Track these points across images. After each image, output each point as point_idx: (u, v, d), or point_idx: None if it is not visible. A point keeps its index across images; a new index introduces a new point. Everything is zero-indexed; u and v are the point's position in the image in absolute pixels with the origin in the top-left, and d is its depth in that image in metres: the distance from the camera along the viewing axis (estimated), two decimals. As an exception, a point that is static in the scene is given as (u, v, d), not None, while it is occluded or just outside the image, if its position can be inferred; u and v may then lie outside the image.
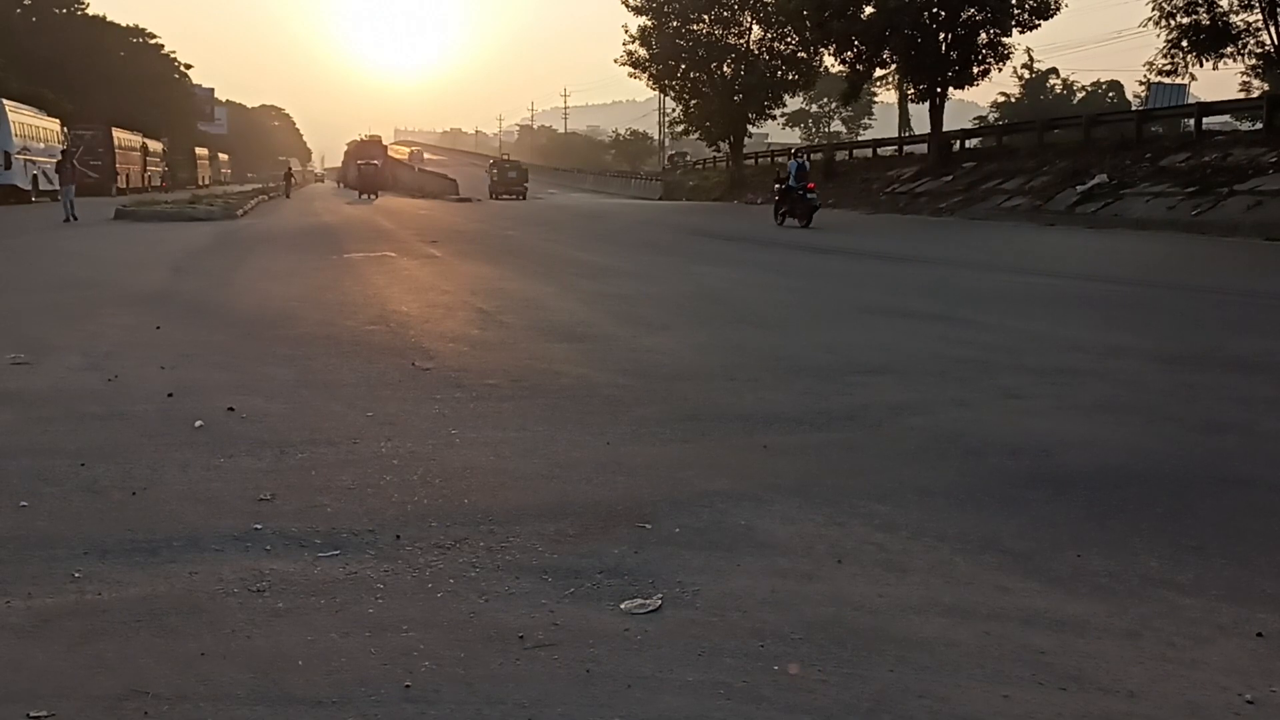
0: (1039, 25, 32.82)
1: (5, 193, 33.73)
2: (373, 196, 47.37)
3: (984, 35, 33.24)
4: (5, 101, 35.63)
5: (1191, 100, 35.91)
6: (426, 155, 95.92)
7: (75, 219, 24.43)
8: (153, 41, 78.29)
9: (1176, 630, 2.74)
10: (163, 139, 65.08)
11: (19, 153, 35.12)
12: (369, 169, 51.62)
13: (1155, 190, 22.55)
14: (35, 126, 38.31)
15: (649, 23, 49.46)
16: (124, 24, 74.52)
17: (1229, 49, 25.18)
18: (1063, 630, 2.73)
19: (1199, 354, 7.15)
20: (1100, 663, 2.55)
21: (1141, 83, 54.73)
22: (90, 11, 69.95)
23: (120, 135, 51.95)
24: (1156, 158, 24.78)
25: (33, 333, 7.81)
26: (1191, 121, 27.34)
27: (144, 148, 56.98)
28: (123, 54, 70.89)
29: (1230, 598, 2.94)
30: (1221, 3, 24.90)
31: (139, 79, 68.87)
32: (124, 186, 49.55)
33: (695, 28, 48.98)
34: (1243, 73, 27.04)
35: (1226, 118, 32.78)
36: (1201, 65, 25.68)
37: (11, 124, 34.95)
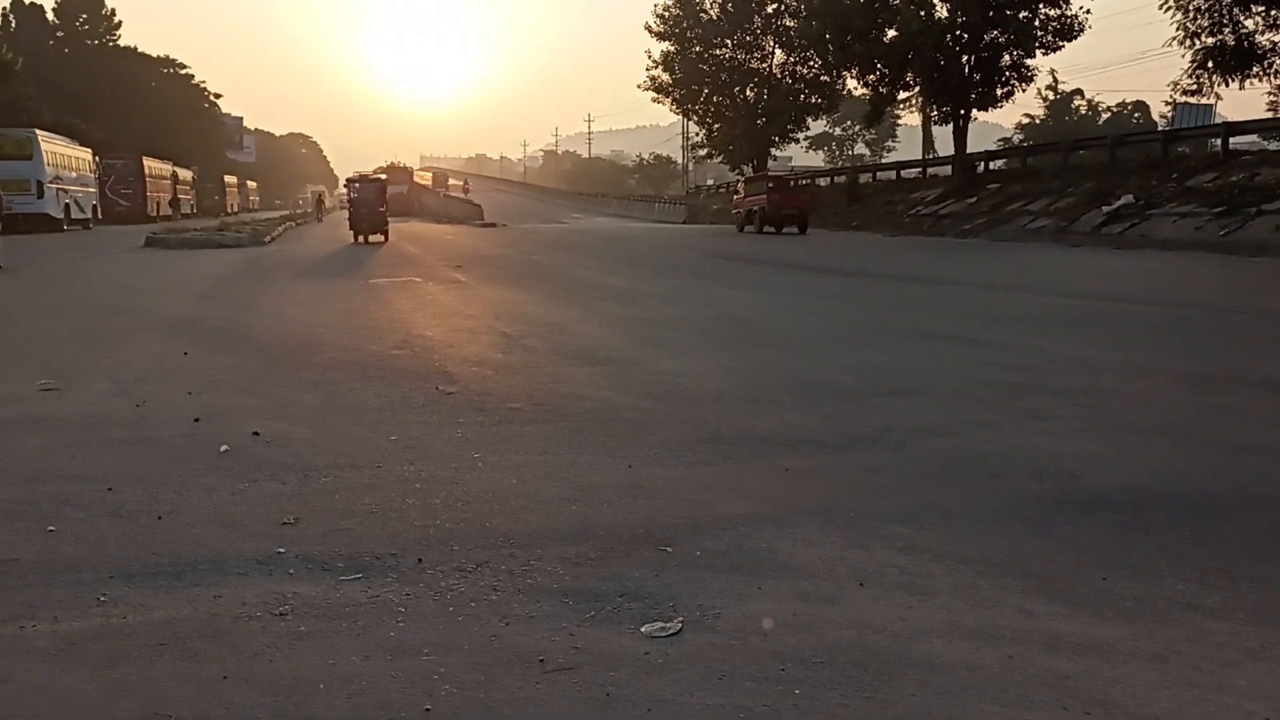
0: (1063, 47, 32.79)
1: (38, 221, 34.20)
2: (377, 239, 28.42)
3: (1007, 57, 33.19)
4: (38, 132, 36.20)
5: (1218, 120, 35.70)
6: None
7: None
8: (183, 72, 79.52)
9: (1203, 654, 2.70)
10: (193, 167, 65.94)
11: (51, 181, 35.64)
12: (368, 191, 28.98)
13: (1182, 210, 22.39)
14: (67, 156, 38.87)
15: (672, 48, 49.74)
16: (155, 55, 75.80)
17: (1255, 69, 25.01)
18: (1088, 654, 2.70)
19: (1226, 375, 7.08)
20: (1126, 687, 2.52)
21: (1167, 103, 54.49)
22: (122, 43, 71.20)
23: (151, 164, 52.73)
24: (1183, 178, 24.63)
25: (63, 359, 7.92)
26: (1218, 141, 27.15)
27: (174, 176, 57.76)
28: (154, 84, 71.97)
29: (1258, 621, 2.91)
30: (1247, 23, 24.77)
31: (170, 108, 69.87)
32: (154, 214, 50.23)
33: (718, 52, 49.21)
34: (1269, 92, 27.01)
35: (1254, 137, 32.59)
36: (1227, 85, 25.51)
37: (44, 153, 35.49)
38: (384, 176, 35.73)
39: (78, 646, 2.79)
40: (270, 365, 7.68)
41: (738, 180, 47.76)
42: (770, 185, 34.80)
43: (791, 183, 36.69)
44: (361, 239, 28.23)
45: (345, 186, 32.47)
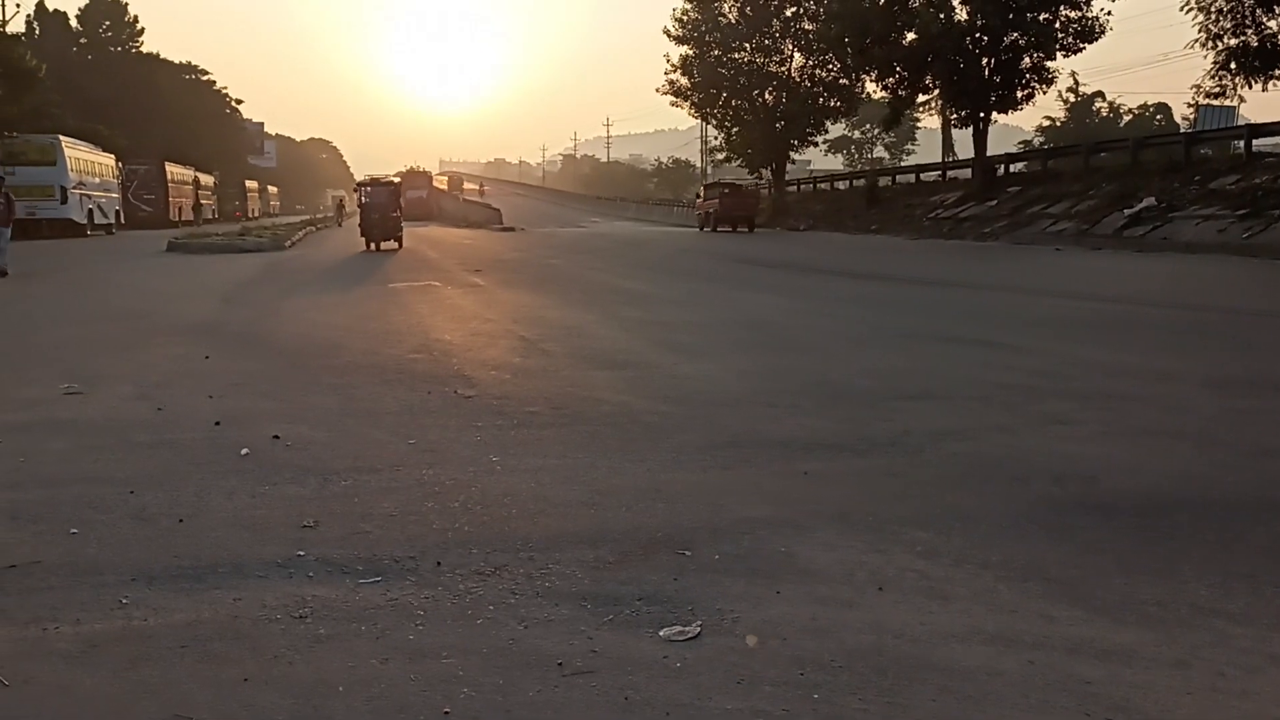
0: (1084, 49, 32.53)
1: (62, 226, 34.55)
2: (390, 246, 26.36)
3: (1027, 59, 32.96)
4: (62, 138, 36.53)
5: (1241, 122, 35.42)
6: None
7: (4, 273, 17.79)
8: (205, 78, 80.00)
9: (1227, 660, 2.68)
10: (214, 172, 66.38)
11: (75, 187, 35.96)
12: (380, 195, 26.68)
13: (1205, 213, 22.20)
14: (91, 162, 39.21)
15: (690, 52, 49.69)
16: (177, 61, 76.27)
17: (1278, 70, 24.79)
18: (1110, 660, 2.68)
19: (1249, 378, 7.01)
20: (1148, 693, 2.50)
21: (1189, 105, 54.11)
22: (144, 49, 71.72)
23: (173, 169, 53.13)
24: (1206, 180, 24.42)
25: (86, 363, 7.98)
26: (1241, 143, 26.91)
27: (196, 181, 58.17)
28: (176, 90, 72.36)
29: (1283, 627, 2.88)
30: (1270, 24, 24.55)
31: (192, 114, 70.25)
32: (176, 219, 50.62)
33: (736, 56, 49.13)
34: (1293, 94, 26.62)
35: (1277, 139, 32.26)
36: (1250, 87, 25.28)
37: (68, 159, 35.81)
38: (397, 179, 33.76)
39: (99, 648, 2.81)
40: (290, 369, 7.72)
41: (700, 187, 51.68)
42: (724, 191, 42.18)
43: (742, 189, 44.33)
44: (373, 246, 26.11)
45: (356, 190, 28.94)
